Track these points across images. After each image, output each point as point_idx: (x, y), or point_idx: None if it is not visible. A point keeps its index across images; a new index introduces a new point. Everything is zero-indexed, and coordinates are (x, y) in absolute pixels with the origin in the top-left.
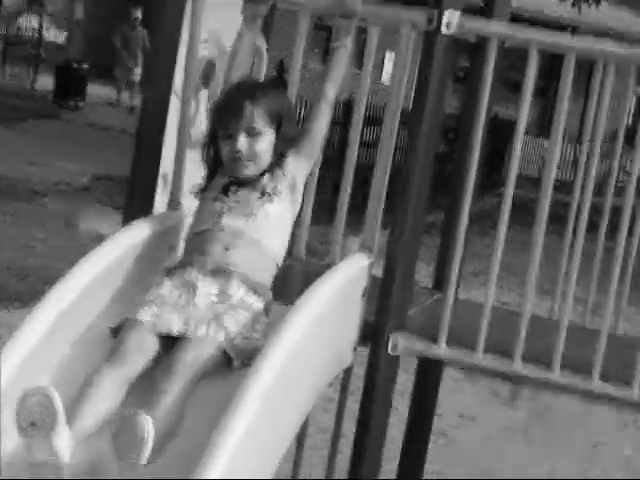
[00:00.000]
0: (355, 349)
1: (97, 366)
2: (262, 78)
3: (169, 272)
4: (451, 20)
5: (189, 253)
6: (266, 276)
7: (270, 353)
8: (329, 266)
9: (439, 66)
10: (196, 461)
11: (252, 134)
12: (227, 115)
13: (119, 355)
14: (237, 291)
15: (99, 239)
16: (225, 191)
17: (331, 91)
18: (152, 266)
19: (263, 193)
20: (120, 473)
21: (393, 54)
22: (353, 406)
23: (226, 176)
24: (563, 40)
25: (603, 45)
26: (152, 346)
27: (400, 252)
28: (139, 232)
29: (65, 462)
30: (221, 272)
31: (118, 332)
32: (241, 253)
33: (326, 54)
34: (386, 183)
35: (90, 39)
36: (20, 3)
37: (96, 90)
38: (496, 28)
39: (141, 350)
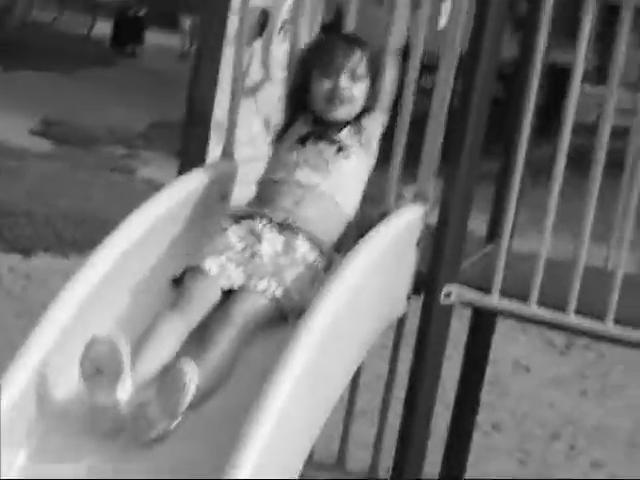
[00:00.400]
0: (409, 298)
1: (158, 312)
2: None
3: (237, 219)
4: None
5: (260, 200)
6: (334, 233)
7: (320, 304)
8: (384, 214)
9: (495, 9)
10: (243, 415)
11: (354, 77)
12: (331, 56)
13: (182, 303)
14: (302, 246)
15: (156, 186)
16: (303, 141)
17: (393, 44)
18: (206, 215)
19: (340, 148)
20: (159, 421)
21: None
22: (405, 355)
23: (307, 124)
24: None
25: None
26: (215, 297)
27: (454, 203)
28: (193, 182)
29: (125, 409)
30: (288, 227)
31: (179, 279)
32: (311, 209)
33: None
34: (442, 131)
35: None
36: None
37: (154, 37)
38: None
39: (206, 300)
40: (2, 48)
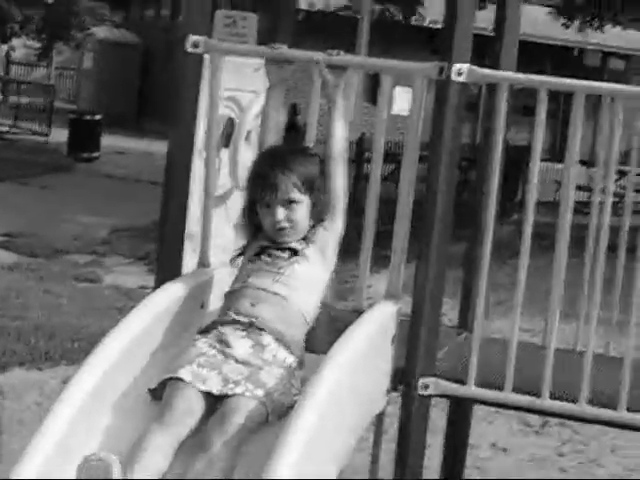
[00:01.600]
0: (388, 392)
1: (142, 428)
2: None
3: (203, 332)
4: (461, 70)
5: (222, 311)
6: (297, 332)
7: (306, 405)
8: (356, 312)
9: (453, 109)
10: None
11: (289, 204)
12: (263, 187)
13: (168, 418)
14: (270, 344)
15: (124, 292)
16: (259, 253)
17: (336, 150)
18: (186, 325)
19: (293, 253)
20: None
21: (402, 89)
22: (386, 445)
23: (265, 239)
24: (571, 82)
25: (610, 85)
26: (199, 406)
27: (426, 296)
28: (171, 293)
29: None
30: (253, 327)
31: (157, 393)
32: (267, 308)
33: None
34: (408, 227)
35: (100, 89)
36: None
37: (108, 140)
38: (505, 75)
39: (189, 412)
40: None
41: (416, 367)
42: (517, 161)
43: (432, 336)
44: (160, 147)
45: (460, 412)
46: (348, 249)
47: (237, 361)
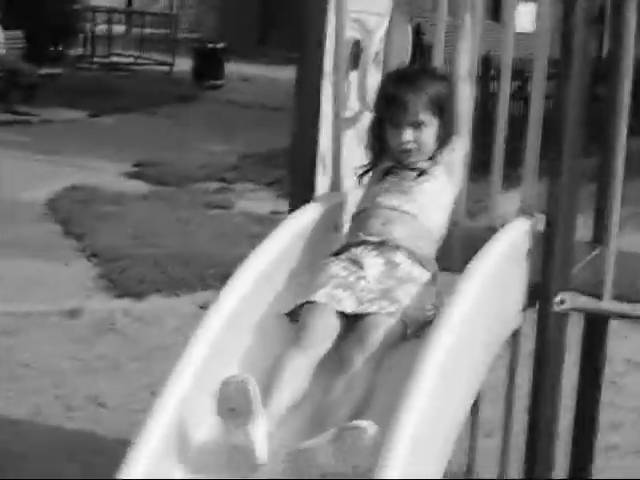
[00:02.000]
0: (523, 310)
1: (280, 351)
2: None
3: (336, 254)
4: None
5: (351, 233)
6: (428, 248)
7: (443, 326)
8: (489, 229)
9: (581, 21)
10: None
11: (418, 126)
12: (392, 108)
13: (305, 339)
14: (403, 262)
15: (255, 219)
16: (386, 174)
17: (462, 69)
18: (321, 248)
19: (421, 173)
20: (333, 469)
21: (524, 6)
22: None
23: (390, 160)
24: None
25: None
26: (335, 327)
27: (560, 211)
28: (305, 217)
29: (260, 450)
30: (385, 245)
31: (295, 316)
32: (399, 227)
33: None
34: (539, 140)
35: (222, 17)
36: None
37: (233, 67)
38: None
39: (326, 333)
40: (84, 94)
41: (552, 282)
42: None
43: (567, 251)
44: (284, 73)
45: (596, 328)
46: (478, 168)
47: (370, 281)
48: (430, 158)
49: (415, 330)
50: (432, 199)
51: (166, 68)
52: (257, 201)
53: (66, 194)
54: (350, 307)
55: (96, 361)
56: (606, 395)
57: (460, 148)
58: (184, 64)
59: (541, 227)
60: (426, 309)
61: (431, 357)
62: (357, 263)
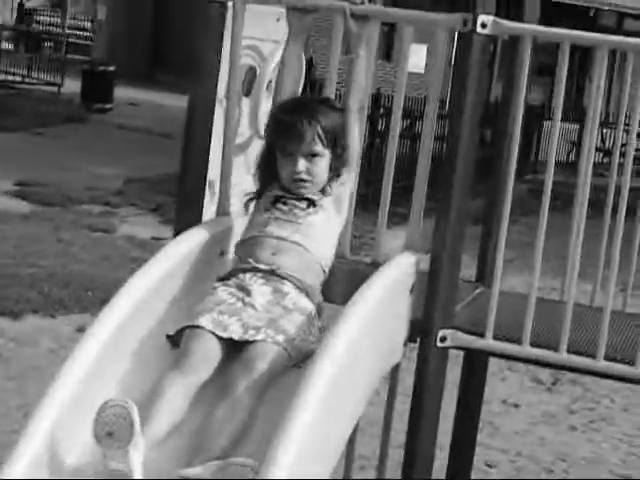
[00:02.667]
0: (405, 344)
1: (159, 376)
2: (301, 84)
3: (223, 279)
4: (485, 21)
5: (240, 258)
6: (315, 280)
7: (325, 356)
8: (374, 264)
9: (476, 62)
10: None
11: (312, 157)
12: (287, 136)
13: (186, 364)
14: (291, 292)
15: (137, 243)
16: (275, 202)
17: (356, 103)
18: (206, 273)
19: (310, 204)
20: None
21: (417, 45)
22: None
23: (279, 189)
24: (596, 36)
25: (634, 40)
26: (217, 353)
27: (446, 248)
28: (191, 241)
29: (138, 474)
30: (274, 275)
31: (176, 341)
32: (288, 257)
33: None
34: (426, 180)
35: (113, 40)
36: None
37: (122, 92)
38: (528, 27)
39: (207, 358)
40: None
41: (434, 318)
42: (531, 121)
43: (451, 288)
44: (173, 100)
45: (475, 366)
46: (364, 205)
47: (257, 308)
48: (320, 190)
49: (299, 361)
50: (321, 231)
51: (54, 89)
52: (140, 226)
53: None
54: (236, 334)
55: None
56: (481, 435)
57: (349, 181)
58: (74, 85)
59: (425, 266)
60: (310, 340)
61: (312, 388)
62: (245, 290)
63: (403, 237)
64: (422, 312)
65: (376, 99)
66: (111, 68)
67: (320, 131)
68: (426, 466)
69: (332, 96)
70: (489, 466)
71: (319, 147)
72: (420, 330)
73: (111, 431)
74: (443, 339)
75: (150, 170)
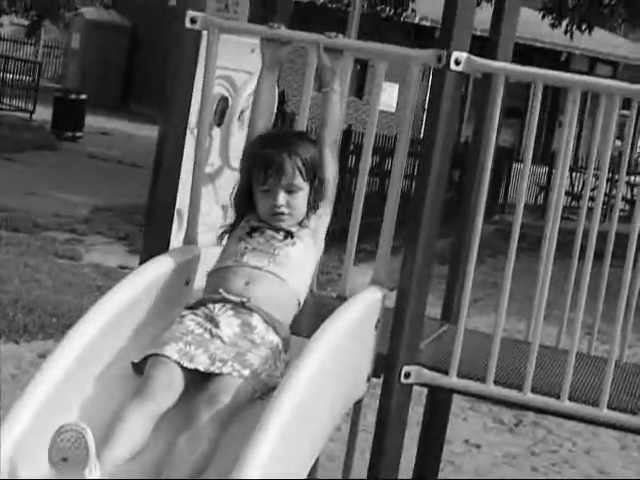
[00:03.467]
0: (369, 380)
1: (122, 402)
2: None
3: (192, 308)
4: (459, 58)
5: (211, 288)
6: (286, 313)
7: (288, 388)
8: (340, 298)
9: (449, 99)
10: None
11: (291, 191)
12: (266, 170)
13: (148, 391)
14: (259, 325)
15: (103, 271)
16: (251, 232)
17: (330, 136)
18: (171, 301)
19: (287, 235)
20: None
21: (388, 84)
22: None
23: (255, 220)
24: (569, 76)
25: (609, 81)
26: (180, 382)
27: (413, 284)
28: (156, 268)
29: None
30: (243, 307)
31: (141, 368)
32: (261, 288)
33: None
34: (394, 218)
35: (86, 69)
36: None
37: (93, 120)
38: (502, 66)
39: (170, 387)
40: None
41: (399, 354)
42: (501, 162)
43: (416, 324)
44: (144, 130)
45: (438, 405)
46: (330, 241)
47: (224, 341)
48: (298, 223)
49: (263, 394)
50: (298, 263)
51: (26, 115)
52: (106, 254)
53: None
54: (202, 365)
55: None
56: (443, 474)
57: (325, 215)
58: (45, 113)
59: (390, 303)
60: (275, 375)
61: (271, 422)
62: (213, 321)
63: (369, 273)
64: (387, 347)
65: (347, 135)
66: (83, 96)
67: (300, 164)
68: None
69: (304, 129)
70: None
71: (299, 180)
72: (384, 365)
73: (66, 456)
74: (407, 375)
75: (119, 199)
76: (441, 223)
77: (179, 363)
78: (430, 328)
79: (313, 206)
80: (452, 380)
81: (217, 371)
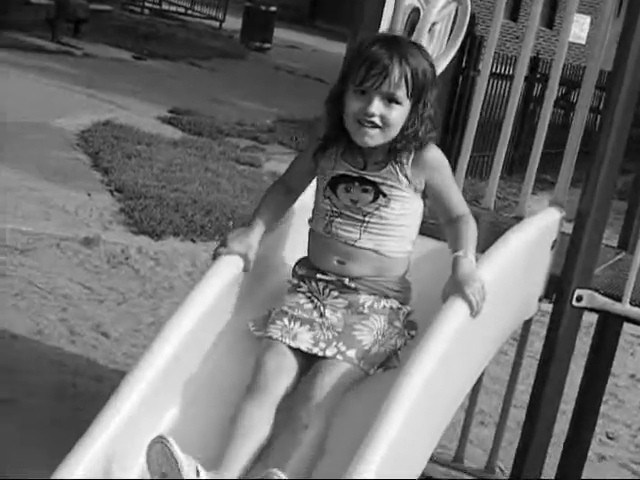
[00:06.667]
0: (540, 300)
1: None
2: (464, 29)
3: (300, 278)
4: None
5: (312, 255)
6: (393, 277)
7: (454, 302)
8: (517, 218)
9: None
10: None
11: (390, 101)
12: (368, 69)
13: (261, 381)
14: (367, 301)
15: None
16: (334, 185)
17: None
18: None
19: (376, 195)
20: None
21: (579, 16)
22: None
23: (344, 140)
24: None
25: None
26: (291, 365)
27: (591, 211)
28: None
29: None
30: (343, 287)
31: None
32: (359, 267)
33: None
34: (578, 143)
35: None
36: None
37: (281, 33)
38: None
39: (280, 372)
40: (131, 35)
41: (573, 277)
42: None
43: (592, 249)
44: (331, 46)
45: (606, 335)
46: (510, 168)
47: (331, 317)
48: (395, 160)
49: (381, 364)
50: (391, 226)
51: (216, 23)
52: (285, 164)
53: (99, 128)
54: (304, 344)
55: (104, 291)
56: (605, 406)
57: (445, 167)
58: (235, 23)
59: (567, 230)
60: (390, 343)
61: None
62: (318, 298)
63: (546, 201)
64: (561, 269)
65: (535, 63)
66: (273, 8)
67: (409, 75)
68: (547, 428)
69: (491, 56)
70: (609, 438)
71: (402, 92)
72: (557, 287)
73: (164, 472)
74: (579, 299)
75: (303, 112)
76: (624, 160)
77: (282, 341)
78: (606, 255)
79: (411, 135)
80: (625, 307)
81: (320, 353)
